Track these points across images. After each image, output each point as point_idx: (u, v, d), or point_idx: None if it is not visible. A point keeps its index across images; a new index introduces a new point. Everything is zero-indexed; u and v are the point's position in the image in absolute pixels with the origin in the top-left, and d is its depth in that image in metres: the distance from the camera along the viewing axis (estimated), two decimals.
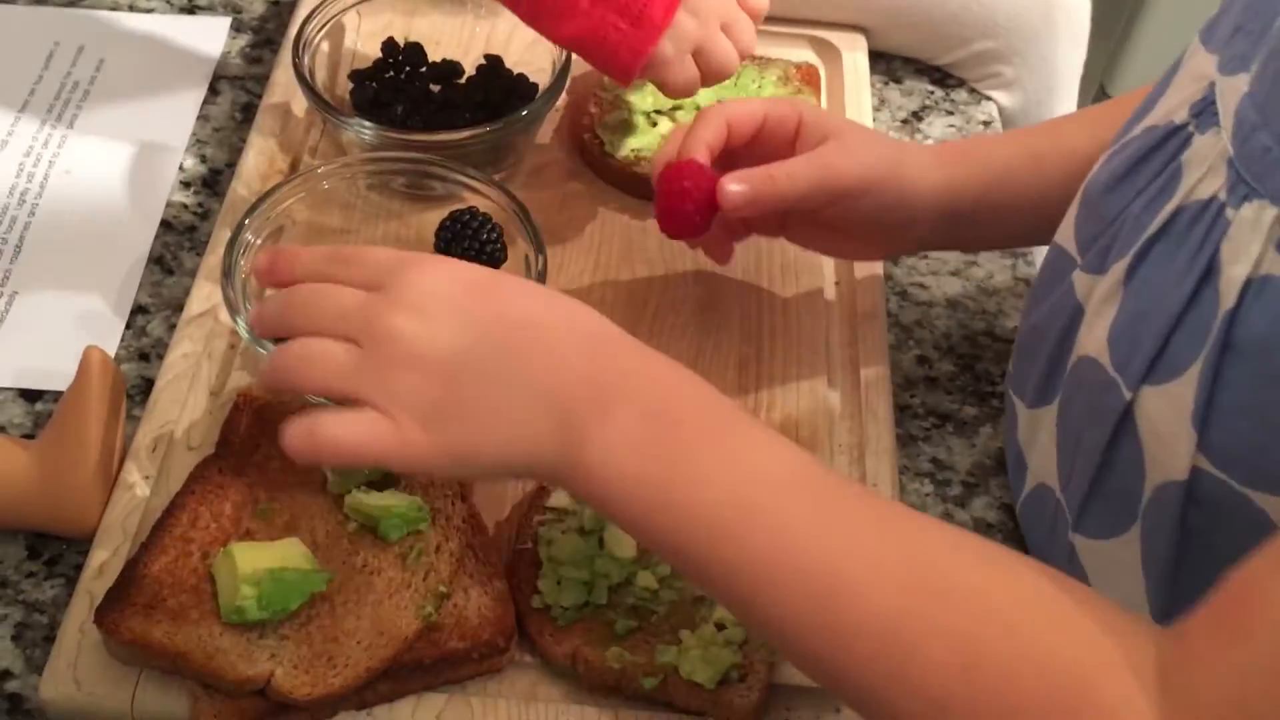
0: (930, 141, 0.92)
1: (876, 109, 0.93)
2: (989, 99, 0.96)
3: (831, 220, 0.71)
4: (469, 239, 0.71)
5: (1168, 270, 0.55)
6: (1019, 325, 0.71)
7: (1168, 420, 0.55)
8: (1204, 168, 0.55)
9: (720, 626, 0.62)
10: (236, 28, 0.95)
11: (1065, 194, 0.67)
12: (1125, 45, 2.00)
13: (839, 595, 0.48)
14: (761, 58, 0.90)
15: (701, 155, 0.68)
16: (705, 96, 0.80)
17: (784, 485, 0.51)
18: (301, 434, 0.52)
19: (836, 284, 0.80)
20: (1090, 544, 0.62)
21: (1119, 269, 0.58)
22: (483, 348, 0.52)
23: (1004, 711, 0.45)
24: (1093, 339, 0.60)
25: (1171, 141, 0.57)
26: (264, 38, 0.94)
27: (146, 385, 0.73)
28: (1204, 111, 0.56)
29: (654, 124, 0.85)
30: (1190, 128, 0.56)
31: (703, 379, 0.54)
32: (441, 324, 0.53)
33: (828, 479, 0.52)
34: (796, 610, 0.49)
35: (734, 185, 0.67)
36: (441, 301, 0.53)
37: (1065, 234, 0.64)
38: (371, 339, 0.53)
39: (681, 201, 0.67)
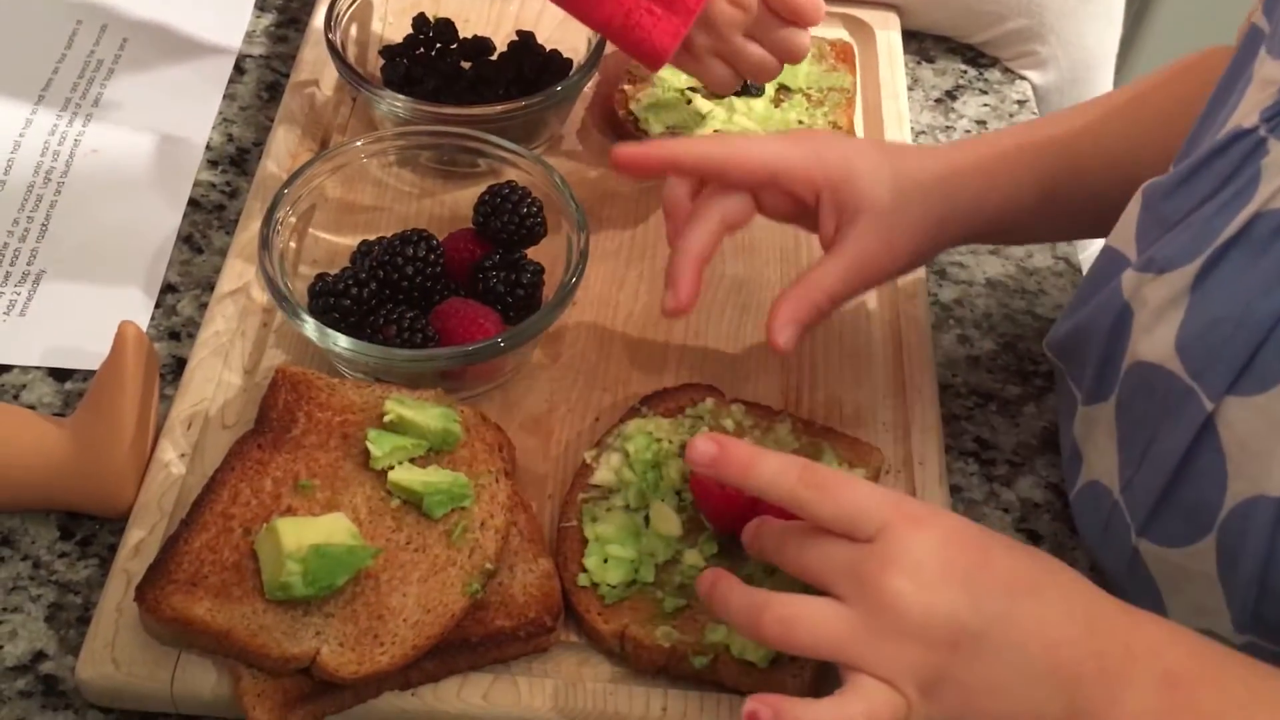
0: (965, 123, 0.91)
1: (910, 88, 0.92)
2: (1023, 78, 0.95)
3: None
4: (509, 213, 0.70)
5: (1248, 277, 0.54)
6: (1057, 327, 0.69)
7: (1258, 433, 0.54)
8: None
9: None
10: (261, 7, 0.93)
11: (1105, 202, 0.66)
12: (1137, 34, 1.99)
13: None
14: None
15: (691, 273, 0.64)
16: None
17: None
18: None
19: None
20: (1159, 551, 0.60)
21: (1185, 273, 0.57)
22: (981, 618, 0.51)
23: None
24: (1155, 344, 0.58)
25: (1238, 145, 0.56)
26: (288, 17, 0.93)
27: (178, 364, 0.72)
28: (1276, 117, 0.54)
29: (689, 101, 0.83)
30: (1262, 132, 0.55)
31: (1191, 631, 0.53)
32: (939, 591, 0.51)
33: None
34: None
35: (783, 333, 0.64)
36: (938, 565, 0.51)
37: (1122, 237, 0.63)
38: (864, 602, 0.51)
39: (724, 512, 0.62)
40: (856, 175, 0.65)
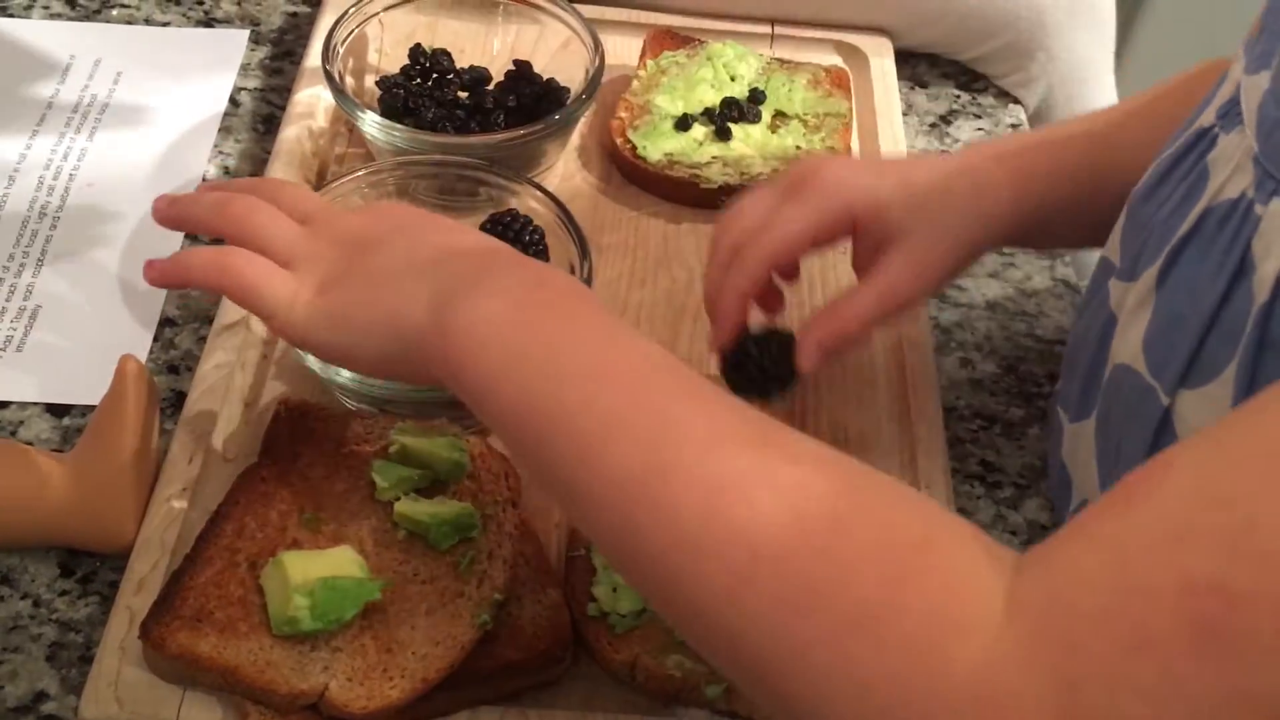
0: (960, 147, 0.91)
1: (904, 114, 0.92)
2: (1017, 102, 0.95)
3: None
4: (511, 241, 0.70)
5: (1199, 272, 0.54)
6: (1068, 340, 0.69)
7: (1209, 424, 0.54)
8: (1230, 167, 0.54)
9: None
10: (255, 40, 0.93)
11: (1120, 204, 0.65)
12: (1126, 44, 2.01)
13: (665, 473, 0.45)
14: (790, 62, 0.89)
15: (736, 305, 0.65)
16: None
17: (647, 363, 0.50)
18: (212, 260, 0.59)
19: None
20: None
21: (1150, 274, 0.57)
22: (391, 232, 0.58)
23: (830, 582, 0.41)
24: (1127, 346, 0.59)
25: (1200, 144, 0.57)
26: (283, 50, 0.93)
27: (177, 398, 0.71)
28: (1229, 112, 0.55)
29: (687, 128, 0.83)
30: (1216, 129, 0.56)
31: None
32: (365, 216, 0.61)
33: (696, 376, 0.50)
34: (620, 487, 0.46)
35: (809, 359, 0.64)
36: (375, 207, 0.65)
37: (1111, 245, 0.63)
38: (313, 225, 0.60)
39: None
40: (883, 207, 0.64)
